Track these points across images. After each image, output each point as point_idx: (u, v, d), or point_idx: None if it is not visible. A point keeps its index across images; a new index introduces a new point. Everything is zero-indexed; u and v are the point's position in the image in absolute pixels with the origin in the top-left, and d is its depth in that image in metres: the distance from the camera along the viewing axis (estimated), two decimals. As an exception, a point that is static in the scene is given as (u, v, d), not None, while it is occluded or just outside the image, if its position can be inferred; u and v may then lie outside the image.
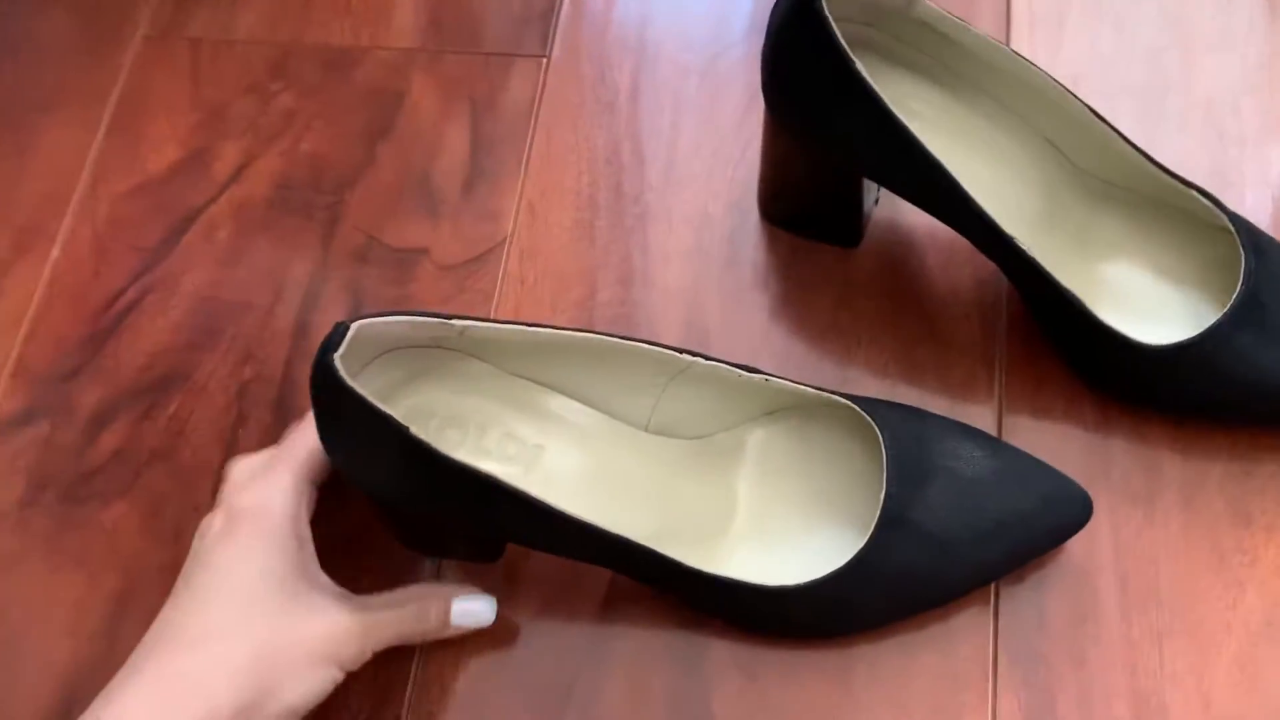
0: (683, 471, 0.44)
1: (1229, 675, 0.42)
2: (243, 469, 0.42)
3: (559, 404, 0.44)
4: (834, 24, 0.41)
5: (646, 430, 0.44)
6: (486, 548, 0.43)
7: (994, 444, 0.44)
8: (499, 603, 0.43)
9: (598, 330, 0.42)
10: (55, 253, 0.54)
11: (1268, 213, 0.50)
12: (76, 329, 0.52)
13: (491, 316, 0.51)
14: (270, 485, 0.40)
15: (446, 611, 0.42)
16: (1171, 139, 0.52)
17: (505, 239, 0.52)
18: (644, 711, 0.43)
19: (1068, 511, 0.43)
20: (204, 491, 0.48)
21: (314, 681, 0.39)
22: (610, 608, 0.44)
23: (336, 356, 0.36)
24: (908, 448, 0.41)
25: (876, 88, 0.41)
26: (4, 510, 0.49)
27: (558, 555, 0.42)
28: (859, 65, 0.41)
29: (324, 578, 0.41)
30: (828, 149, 0.45)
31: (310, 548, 0.41)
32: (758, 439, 0.45)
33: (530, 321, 0.41)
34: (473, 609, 0.42)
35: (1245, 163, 0.51)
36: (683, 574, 0.40)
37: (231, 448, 0.49)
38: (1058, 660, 0.43)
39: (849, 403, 0.43)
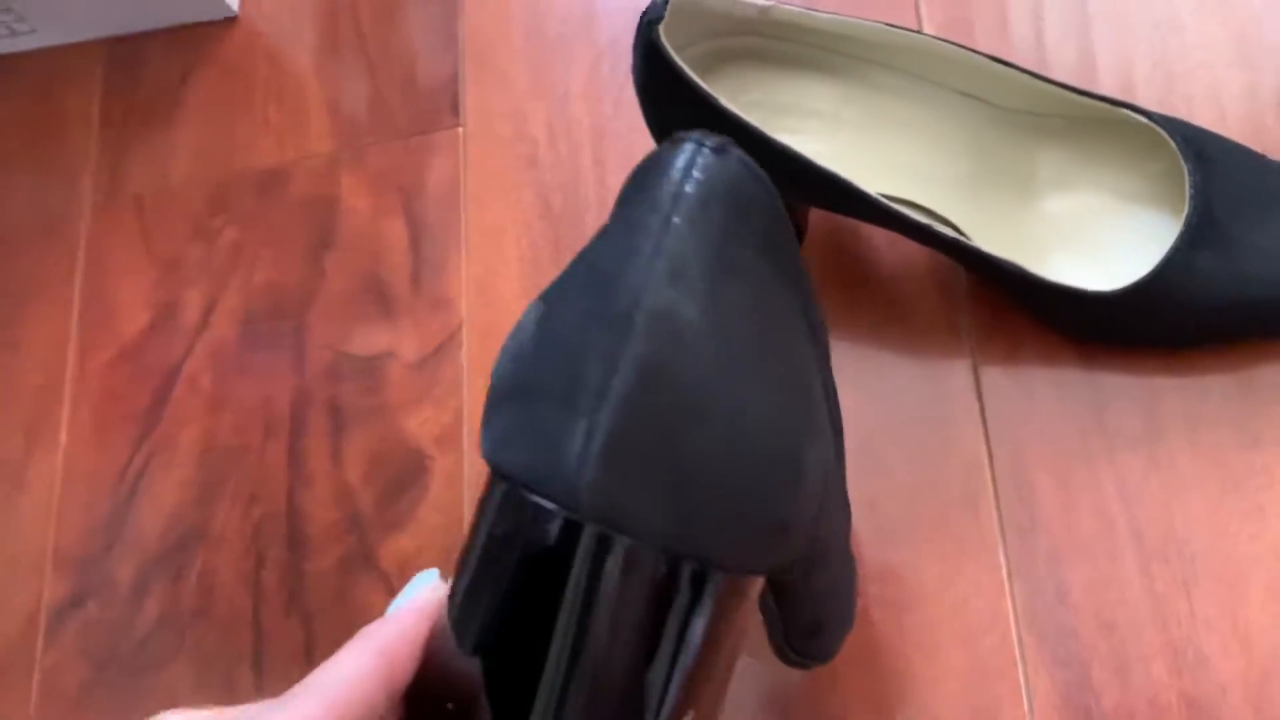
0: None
1: (1265, 609, 0.40)
2: None
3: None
4: (673, 52, 0.39)
5: None
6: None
7: None
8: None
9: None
10: (63, 438, 0.57)
11: (1211, 106, 0.47)
12: (98, 507, 0.55)
13: (462, 402, 0.51)
14: None
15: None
16: (1108, 38, 0.49)
17: (460, 324, 0.53)
18: None
19: None
20: (244, 640, 0.50)
21: None
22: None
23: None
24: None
25: (744, 114, 0.40)
26: (74, 695, 0.52)
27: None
28: (711, 93, 0.39)
29: None
30: (727, 177, 0.43)
31: None
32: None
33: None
34: None
35: (1188, 49, 0.48)
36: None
37: (257, 590, 0.51)
38: (1085, 630, 0.42)
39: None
